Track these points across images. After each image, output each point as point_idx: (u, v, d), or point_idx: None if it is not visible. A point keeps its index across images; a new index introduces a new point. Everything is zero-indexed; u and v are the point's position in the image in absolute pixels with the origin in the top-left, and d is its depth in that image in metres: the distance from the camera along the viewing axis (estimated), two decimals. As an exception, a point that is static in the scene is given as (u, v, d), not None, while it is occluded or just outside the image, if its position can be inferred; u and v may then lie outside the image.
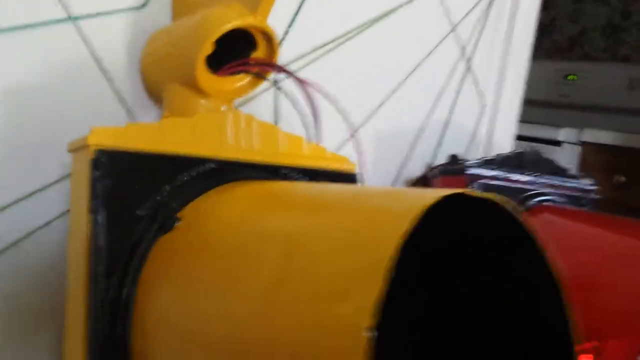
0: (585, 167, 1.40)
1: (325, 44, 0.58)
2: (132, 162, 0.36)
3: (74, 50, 0.44)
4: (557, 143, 1.43)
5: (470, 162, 0.55)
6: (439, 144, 0.65)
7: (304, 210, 0.30)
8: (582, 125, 1.45)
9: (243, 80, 0.45)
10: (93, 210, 0.34)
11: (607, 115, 1.57)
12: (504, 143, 0.69)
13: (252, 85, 0.45)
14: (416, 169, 0.64)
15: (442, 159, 0.65)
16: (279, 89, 0.50)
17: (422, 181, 0.62)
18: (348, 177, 0.46)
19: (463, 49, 0.65)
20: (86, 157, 0.35)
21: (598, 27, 1.85)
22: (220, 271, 0.30)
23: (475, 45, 0.66)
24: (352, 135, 0.47)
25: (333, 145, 0.46)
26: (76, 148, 0.36)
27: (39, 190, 0.44)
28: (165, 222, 0.36)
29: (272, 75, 0.47)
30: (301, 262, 0.26)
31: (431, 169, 0.62)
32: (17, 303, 0.44)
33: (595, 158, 1.40)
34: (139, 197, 0.36)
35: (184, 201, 0.37)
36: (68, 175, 0.44)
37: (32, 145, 0.43)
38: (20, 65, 0.42)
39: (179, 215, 0.36)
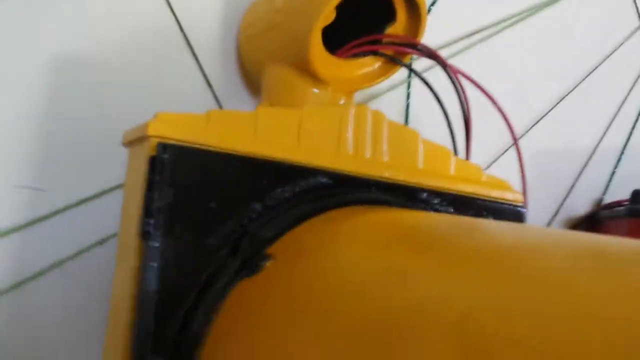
0: None
1: (471, 33, 0.44)
2: (209, 165, 0.24)
3: (152, 15, 0.33)
4: None
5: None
6: (612, 173, 0.49)
7: (523, 276, 0.16)
8: None
9: (372, 65, 0.32)
10: (145, 233, 0.22)
11: None
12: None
13: (384, 72, 0.32)
14: (579, 205, 0.48)
15: (614, 194, 0.49)
16: (416, 74, 0.37)
17: (590, 222, 0.47)
18: (512, 212, 0.32)
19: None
20: (143, 154, 0.23)
21: None
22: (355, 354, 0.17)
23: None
24: (518, 155, 0.33)
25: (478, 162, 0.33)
26: (132, 140, 0.25)
27: (94, 196, 0.33)
28: (249, 258, 0.24)
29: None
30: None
31: (604, 206, 0.47)
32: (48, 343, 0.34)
33: None
34: (214, 218, 0.24)
35: (278, 229, 0.24)
36: (131, 180, 0.34)
37: (85, 135, 0.33)
38: (79, 28, 0.32)
39: (270, 250, 0.24)
